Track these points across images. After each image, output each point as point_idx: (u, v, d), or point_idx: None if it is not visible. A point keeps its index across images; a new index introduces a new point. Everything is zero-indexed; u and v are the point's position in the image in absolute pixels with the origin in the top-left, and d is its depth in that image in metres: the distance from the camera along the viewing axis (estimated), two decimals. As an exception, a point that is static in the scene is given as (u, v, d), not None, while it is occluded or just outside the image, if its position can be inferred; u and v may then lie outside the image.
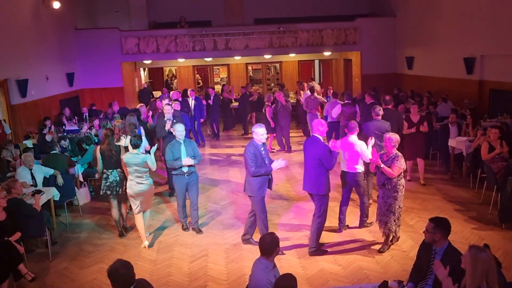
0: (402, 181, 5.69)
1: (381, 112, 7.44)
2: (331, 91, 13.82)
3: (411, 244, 6.07)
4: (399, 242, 6.18)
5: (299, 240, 6.40)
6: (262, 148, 5.84)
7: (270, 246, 3.71)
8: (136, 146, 6.28)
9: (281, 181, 9.18)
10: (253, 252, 5.89)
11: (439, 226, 3.85)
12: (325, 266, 5.65)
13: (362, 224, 6.74)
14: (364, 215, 6.72)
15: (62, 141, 8.66)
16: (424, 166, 8.62)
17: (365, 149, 6.24)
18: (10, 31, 10.57)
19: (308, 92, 12.26)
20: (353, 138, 6.42)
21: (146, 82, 19.44)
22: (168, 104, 8.37)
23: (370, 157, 6.05)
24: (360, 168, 6.42)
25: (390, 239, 6.00)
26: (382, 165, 5.58)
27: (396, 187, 5.64)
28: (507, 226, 6.46)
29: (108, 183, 6.60)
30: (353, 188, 6.62)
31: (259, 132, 5.80)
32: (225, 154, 11.86)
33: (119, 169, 6.64)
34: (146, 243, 6.42)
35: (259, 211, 5.98)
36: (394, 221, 5.73)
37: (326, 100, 12.24)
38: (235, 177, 9.68)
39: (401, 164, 5.55)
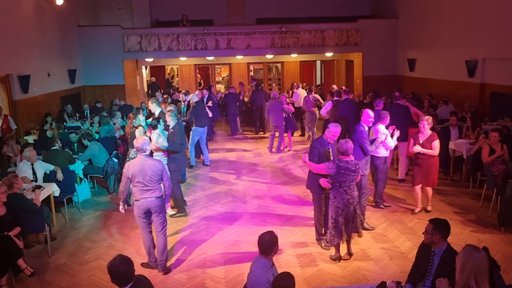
0: (336, 191, 5.44)
1: (381, 104, 8.52)
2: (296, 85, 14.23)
3: (410, 246, 6.07)
4: (398, 244, 6.19)
5: (298, 239, 6.40)
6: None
7: (269, 245, 3.71)
8: (154, 127, 7.52)
9: (281, 181, 9.20)
10: (252, 251, 5.90)
11: (439, 227, 3.85)
12: (323, 266, 5.65)
13: (378, 205, 7.48)
14: (379, 197, 7.44)
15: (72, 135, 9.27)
16: (431, 194, 7.30)
17: (389, 137, 6.95)
18: (12, 27, 10.59)
19: (304, 92, 12.43)
20: (380, 126, 6.99)
21: (151, 78, 19.55)
22: (170, 110, 7.66)
23: (393, 145, 7.05)
24: (383, 153, 7.10)
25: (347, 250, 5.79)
26: (306, 161, 5.77)
27: (329, 195, 5.57)
28: (506, 229, 6.46)
29: (128, 159, 7.43)
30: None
31: (330, 130, 5.81)
32: (224, 154, 11.86)
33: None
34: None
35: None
36: (329, 229, 5.56)
37: (322, 101, 12.34)
38: (235, 176, 9.68)
39: (327, 167, 5.41)
